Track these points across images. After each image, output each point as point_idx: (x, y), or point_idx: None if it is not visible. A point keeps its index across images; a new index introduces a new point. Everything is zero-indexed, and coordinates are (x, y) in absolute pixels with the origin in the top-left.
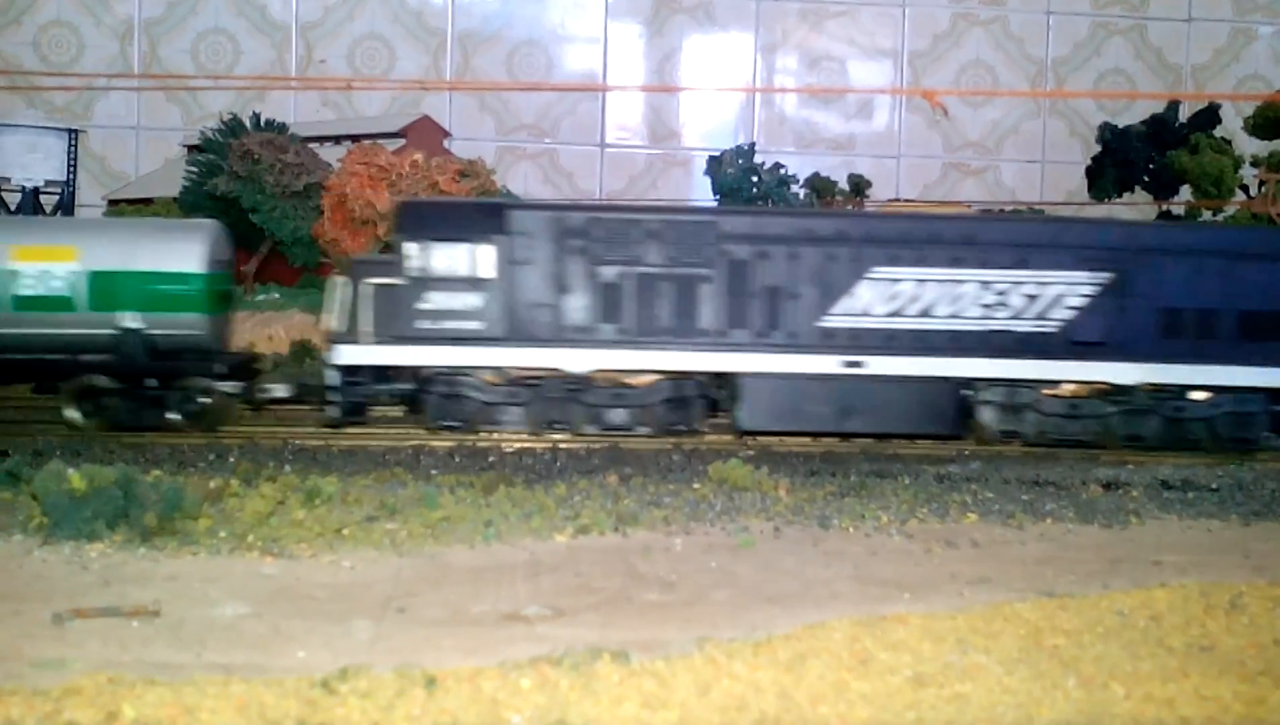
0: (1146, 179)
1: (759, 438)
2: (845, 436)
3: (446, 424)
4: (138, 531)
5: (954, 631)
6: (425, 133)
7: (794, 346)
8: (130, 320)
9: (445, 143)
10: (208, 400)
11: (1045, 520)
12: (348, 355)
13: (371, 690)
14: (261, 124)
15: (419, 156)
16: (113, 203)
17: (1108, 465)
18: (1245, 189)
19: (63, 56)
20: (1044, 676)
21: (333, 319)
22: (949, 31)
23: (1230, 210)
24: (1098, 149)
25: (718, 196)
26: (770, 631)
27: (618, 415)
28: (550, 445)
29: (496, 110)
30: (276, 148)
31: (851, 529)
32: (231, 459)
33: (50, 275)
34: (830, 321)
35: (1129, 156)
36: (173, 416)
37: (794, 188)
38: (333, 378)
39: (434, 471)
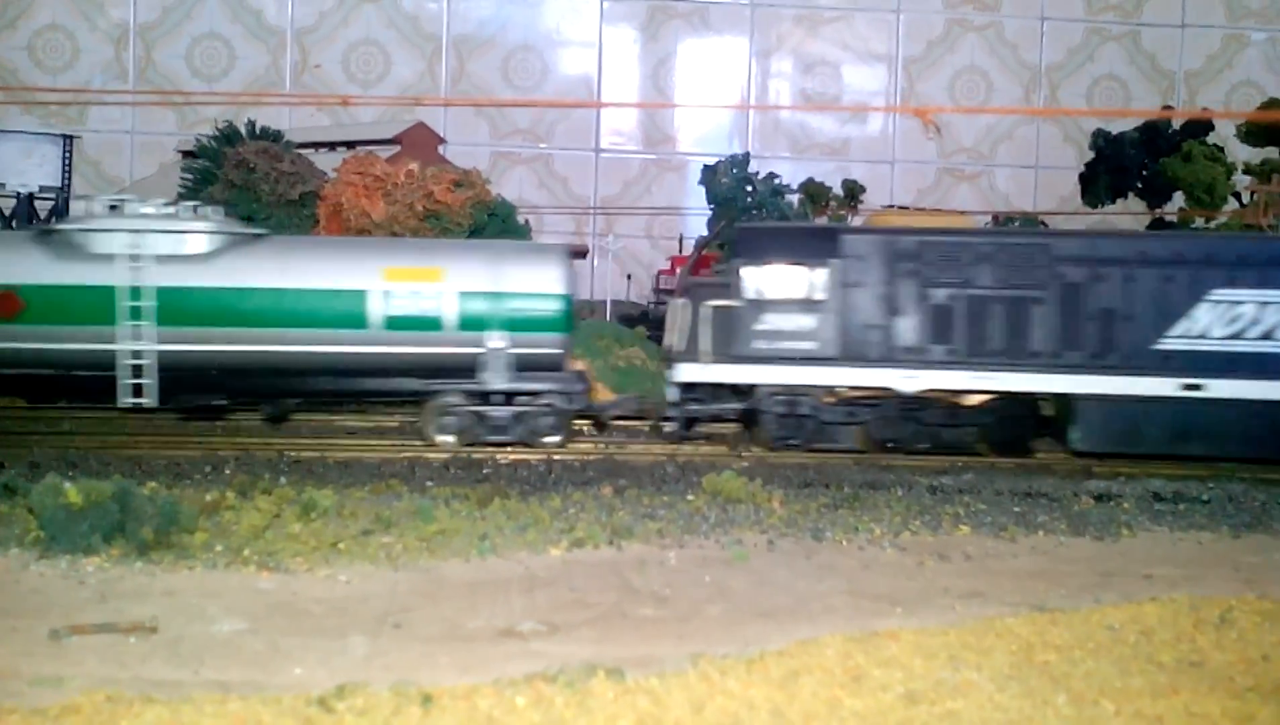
0: (1140, 186)
1: (752, 449)
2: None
3: (785, 441)
4: (134, 545)
5: (946, 647)
6: (420, 139)
7: (1130, 369)
8: (496, 340)
9: (440, 149)
10: (563, 417)
11: (1037, 533)
12: (687, 373)
13: (368, 708)
14: (256, 131)
15: (414, 166)
16: None
17: (1099, 477)
18: (1238, 196)
19: (57, 61)
20: (1035, 693)
21: (674, 339)
22: (943, 37)
23: (1222, 219)
24: (1091, 155)
25: (712, 206)
26: (764, 647)
27: (951, 434)
28: (545, 457)
29: (491, 115)
30: (271, 156)
31: (845, 542)
32: (227, 471)
33: (420, 296)
34: (1167, 344)
35: (1122, 163)
36: (532, 433)
37: (787, 197)
38: (673, 394)
39: (429, 483)
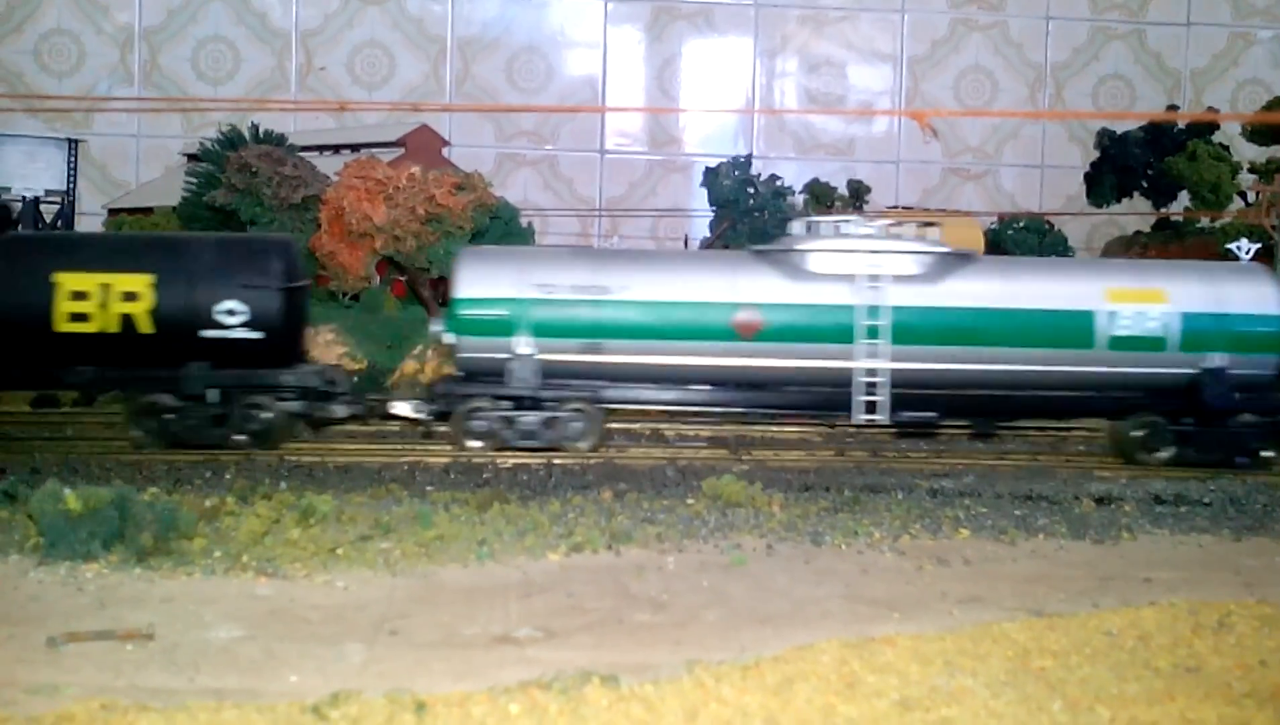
0: (1145, 185)
1: (753, 453)
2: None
3: None
4: (133, 552)
5: (942, 653)
6: (424, 141)
7: None
8: (1216, 360)
9: (444, 151)
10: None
11: (1037, 536)
12: None
13: (362, 716)
14: (260, 135)
15: (416, 170)
16: (113, 212)
17: (1101, 480)
18: (1244, 195)
19: (63, 65)
20: (1030, 699)
21: None
22: (948, 37)
23: (1227, 218)
24: (1096, 155)
25: (714, 208)
26: (759, 653)
27: None
28: (545, 461)
29: (496, 117)
30: (274, 160)
31: (844, 546)
32: (228, 476)
33: (1145, 317)
34: None
35: (1128, 163)
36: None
37: (790, 198)
38: None
39: (429, 488)
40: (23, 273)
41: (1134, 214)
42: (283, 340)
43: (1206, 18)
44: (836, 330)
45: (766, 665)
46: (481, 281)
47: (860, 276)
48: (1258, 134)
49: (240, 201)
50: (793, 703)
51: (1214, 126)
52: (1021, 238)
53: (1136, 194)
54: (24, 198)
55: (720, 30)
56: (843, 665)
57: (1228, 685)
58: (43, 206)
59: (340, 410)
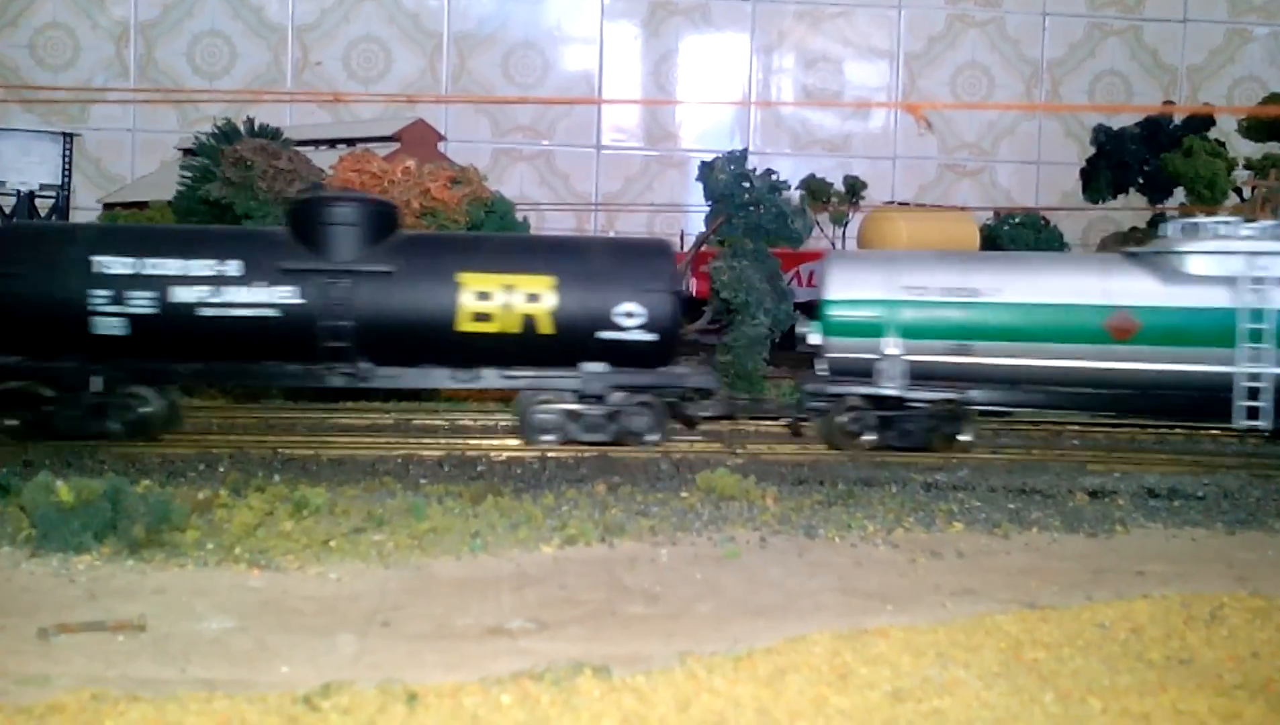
0: (1141, 181)
1: (748, 446)
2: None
3: None
4: (126, 543)
5: (934, 645)
6: (420, 136)
7: None
8: None
9: (440, 146)
10: None
11: (1031, 529)
12: None
13: (353, 707)
14: (255, 129)
15: (410, 164)
16: (108, 206)
17: (1095, 473)
18: (1239, 191)
19: (58, 59)
20: (1022, 691)
21: None
22: (945, 33)
23: (1222, 214)
24: (1092, 150)
25: (709, 202)
26: (752, 645)
27: None
28: (539, 454)
29: (492, 112)
30: (269, 154)
31: (837, 539)
32: (221, 469)
33: None
34: None
35: (1123, 158)
36: None
37: (785, 193)
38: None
39: (423, 480)
40: (426, 272)
41: (1130, 209)
42: (671, 342)
43: (1203, 14)
44: (1217, 333)
45: (759, 656)
46: (851, 284)
47: (1243, 279)
48: (1253, 130)
49: (235, 195)
50: (785, 694)
51: (1210, 122)
52: (1017, 234)
53: (1132, 190)
54: (19, 192)
55: (717, 26)
56: (835, 657)
57: (1219, 677)
58: (38, 200)
59: (712, 408)
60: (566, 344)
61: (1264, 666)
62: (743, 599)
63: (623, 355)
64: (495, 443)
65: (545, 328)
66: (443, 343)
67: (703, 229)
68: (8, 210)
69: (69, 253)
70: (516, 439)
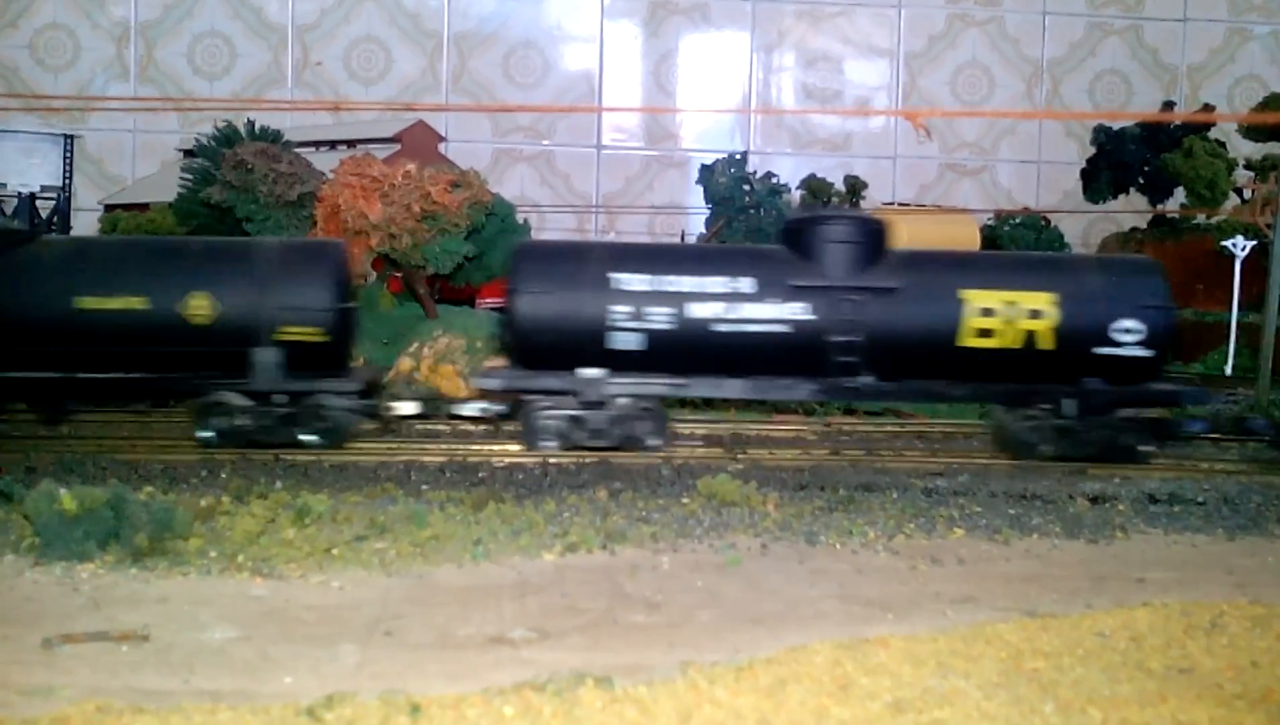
0: (1141, 181)
1: (749, 451)
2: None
3: None
4: (129, 552)
5: (935, 654)
6: (420, 137)
7: None
8: None
9: (441, 147)
10: None
11: (1032, 535)
12: None
13: (356, 718)
14: (256, 131)
15: (411, 167)
16: (109, 208)
17: (1095, 478)
18: (1240, 192)
19: (59, 60)
20: (1022, 701)
21: None
22: (945, 32)
23: (1223, 215)
24: (1093, 151)
25: (710, 205)
26: (753, 654)
27: None
28: (540, 460)
29: (492, 112)
30: (270, 157)
31: (838, 545)
32: (223, 476)
33: None
34: None
35: (1123, 159)
36: None
37: (786, 196)
38: None
39: (424, 487)
40: (931, 288)
41: (1130, 211)
42: (1163, 358)
43: (1203, 13)
44: None
45: (760, 667)
46: None
47: None
48: (1254, 130)
49: (236, 199)
50: (786, 704)
51: (1210, 122)
52: (1018, 234)
53: (1133, 190)
54: (20, 193)
55: (717, 25)
56: (836, 667)
57: (1219, 686)
58: (38, 202)
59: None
60: (1065, 359)
61: (1264, 676)
62: (744, 607)
63: (1118, 371)
64: (497, 448)
65: (1045, 343)
66: (944, 357)
67: (703, 230)
68: (9, 212)
69: (590, 271)
70: (517, 444)
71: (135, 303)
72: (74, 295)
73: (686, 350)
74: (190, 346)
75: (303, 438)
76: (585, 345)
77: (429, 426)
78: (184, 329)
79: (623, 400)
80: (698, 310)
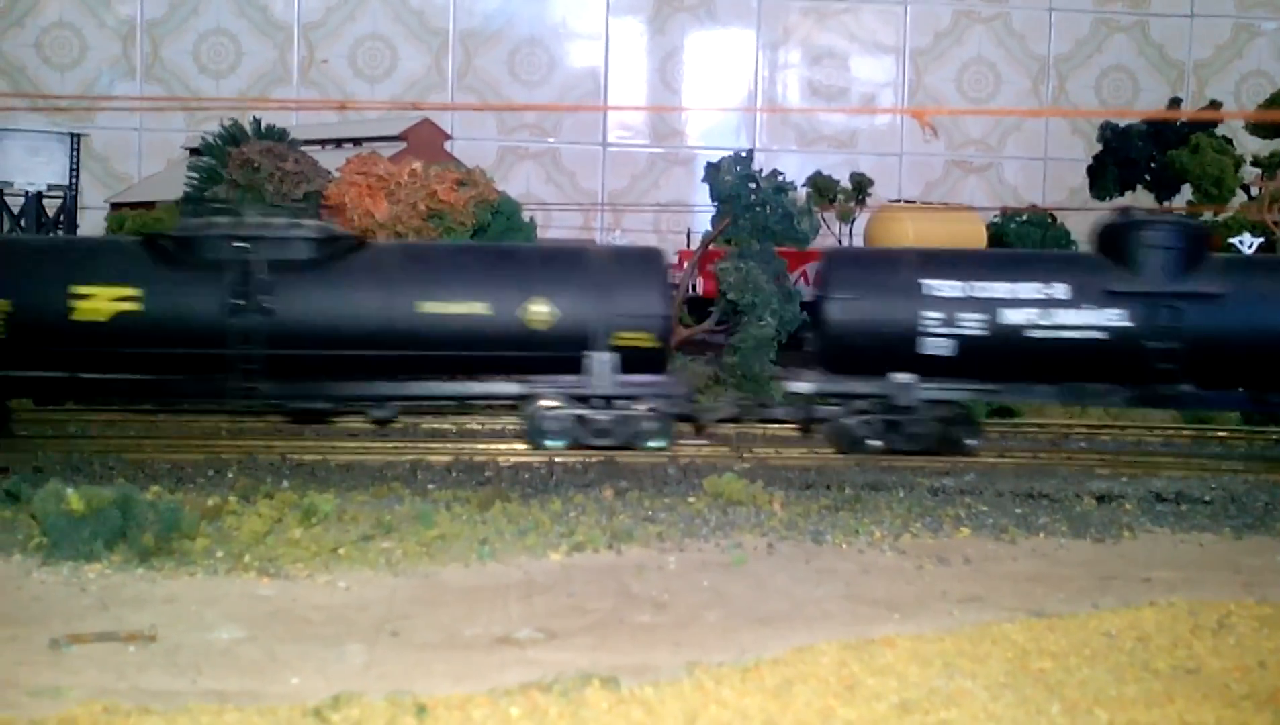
0: (1148, 178)
1: (755, 450)
2: None
3: None
4: (136, 552)
5: (941, 655)
6: (426, 135)
7: None
8: None
9: (446, 145)
10: None
11: (1038, 534)
12: None
13: (363, 718)
14: (262, 129)
15: (417, 166)
16: (115, 206)
17: (1102, 477)
18: (1247, 189)
19: (65, 58)
20: (1029, 702)
21: None
22: (951, 29)
23: (1230, 212)
24: (1099, 148)
25: (715, 203)
26: (759, 655)
27: None
28: (546, 459)
29: (498, 110)
30: (276, 156)
31: (844, 545)
32: (230, 475)
33: None
34: None
35: (1130, 155)
36: None
37: (792, 193)
38: None
39: (431, 486)
40: (1263, 295)
41: (1137, 207)
42: None
43: (1210, 9)
44: None
45: (766, 667)
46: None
47: None
48: (1261, 127)
49: (242, 197)
50: (792, 705)
51: (1217, 119)
52: (1024, 231)
53: (1139, 187)
54: (27, 192)
55: (723, 22)
56: (842, 667)
57: (1226, 687)
58: (45, 201)
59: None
60: None
61: (1272, 676)
62: (750, 607)
63: None
64: (503, 447)
65: None
66: (1276, 367)
67: (709, 227)
68: (16, 211)
69: (901, 277)
70: (524, 443)
71: (477, 308)
72: (416, 300)
73: (998, 356)
74: (528, 351)
75: (650, 444)
76: (895, 350)
77: (434, 426)
78: (523, 334)
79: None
80: (1011, 316)
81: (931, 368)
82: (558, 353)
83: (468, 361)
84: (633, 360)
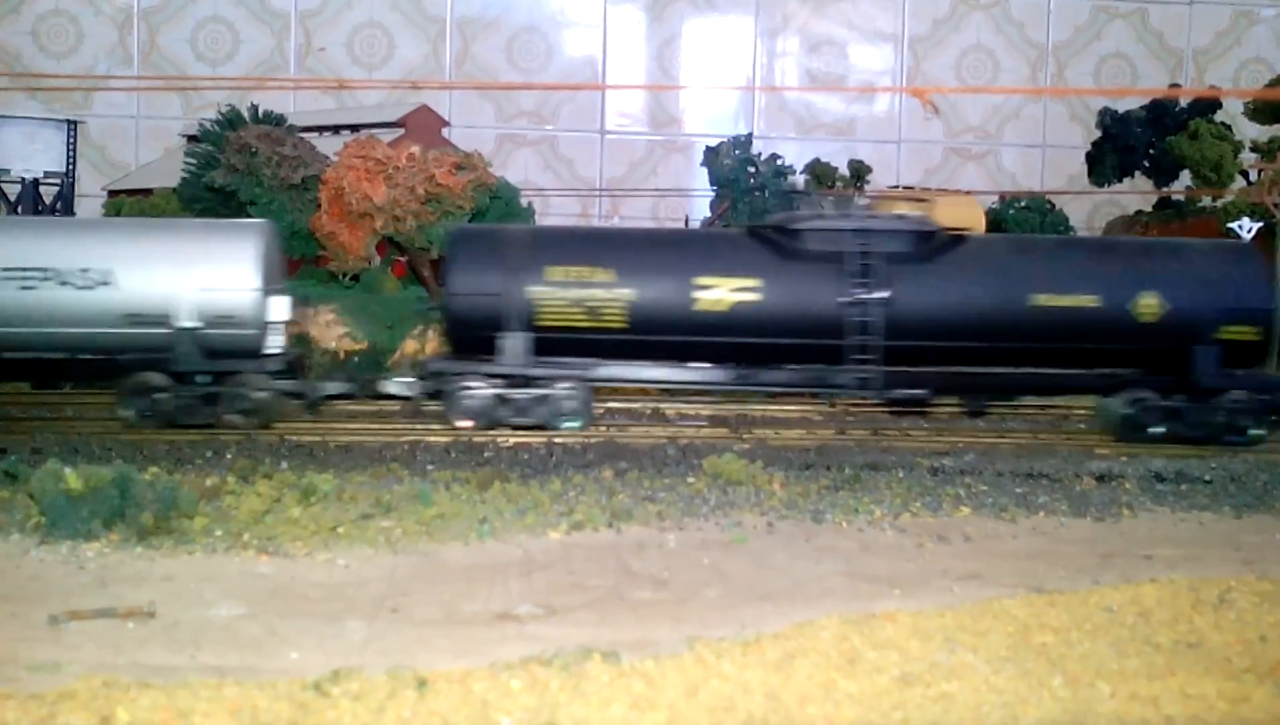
0: (1147, 164)
1: (754, 431)
2: None
3: None
4: (134, 531)
5: (942, 629)
6: (424, 122)
7: None
8: None
9: (444, 131)
10: None
11: (1038, 513)
12: None
13: (363, 693)
14: (259, 115)
15: (415, 150)
16: (112, 194)
17: (1102, 457)
18: (1245, 175)
19: (62, 46)
20: (1030, 675)
21: None
22: (949, 16)
23: (1229, 197)
24: (1098, 134)
25: (714, 187)
26: (760, 630)
27: None
28: (546, 440)
29: (496, 98)
30: (273, 141)
31: (844, 523)
32: (228, 456)
33: None
34: None
35: (1129, 142)
36: None
37: (791, 178)
38: None
39: (430, 467)
40: None
41: (1136, 193)
42: None
43: None
44: None
45: (767, 641)
46: None
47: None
48: (1260, 112)
49: (240, 182)
50: (793, 678)
51: (1216, 105)
52: (1023, 217)
53: (1138, 173)
54: (23, 180)
55: (721, 10)
56: (843, 641)
57: (1227, 661)
58: (42, 188)
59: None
60: None
61: (1272, 650)
62: (750, 584)
63: None
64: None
65: None
66: None
67: (707, 214)
68: (12, 198)
69: None
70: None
71: (1087, 301)
72: (1030, 292)
73: None
74: (1131, 343)
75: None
76: None
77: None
78: (1130, 327)
79: None
80: None
81: None
82: (1162, 346)
83: (1070, 353)
84: (1235, 354)
